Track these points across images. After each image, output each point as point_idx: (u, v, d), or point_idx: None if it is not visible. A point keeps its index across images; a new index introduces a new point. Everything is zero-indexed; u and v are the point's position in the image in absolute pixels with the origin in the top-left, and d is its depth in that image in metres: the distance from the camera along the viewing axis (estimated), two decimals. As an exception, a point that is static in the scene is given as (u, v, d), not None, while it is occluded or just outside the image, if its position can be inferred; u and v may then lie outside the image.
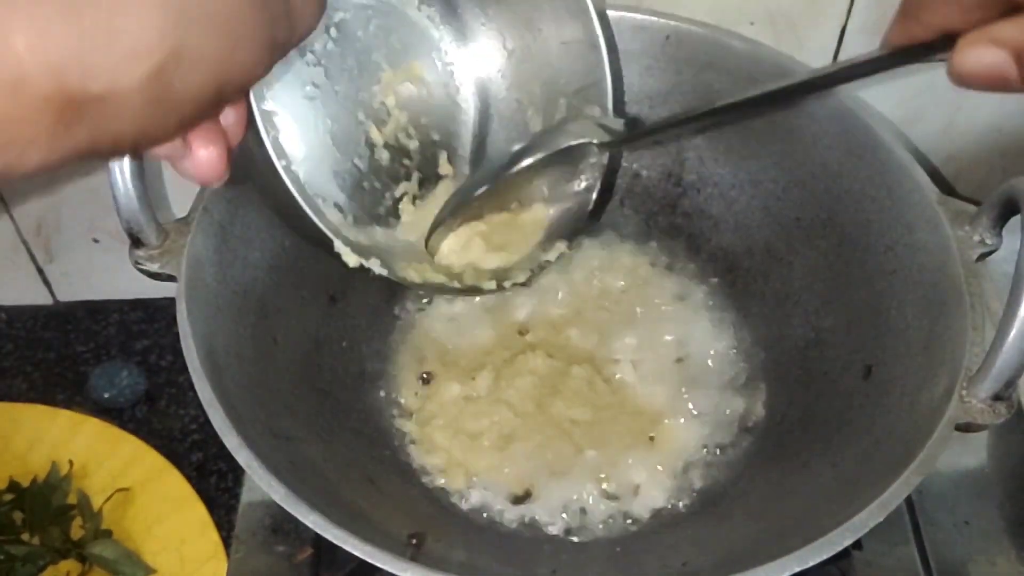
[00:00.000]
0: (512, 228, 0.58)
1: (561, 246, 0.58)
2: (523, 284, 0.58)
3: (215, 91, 0.32)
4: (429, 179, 0.58)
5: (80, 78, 0.28)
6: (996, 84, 0.32)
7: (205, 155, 0.36)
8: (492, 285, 0.56)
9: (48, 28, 0.27)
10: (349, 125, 0.53)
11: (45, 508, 0.61)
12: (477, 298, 0.62)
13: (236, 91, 0.34)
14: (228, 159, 0.37)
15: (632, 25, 0.58)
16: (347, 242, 0.49)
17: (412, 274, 0.53)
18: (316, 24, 0.39)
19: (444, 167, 0.58)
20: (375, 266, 0.50)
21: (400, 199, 0.56)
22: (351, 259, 0.49)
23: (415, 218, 0.56)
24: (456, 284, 0.55)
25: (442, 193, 0.57)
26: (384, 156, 0.55)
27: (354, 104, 0.53)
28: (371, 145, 0.54)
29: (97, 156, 0.31)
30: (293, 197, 0.45)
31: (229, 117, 0.39)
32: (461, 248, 0.56)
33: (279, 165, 0.43)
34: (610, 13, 0.56)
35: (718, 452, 0.56)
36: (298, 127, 0.50)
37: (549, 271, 0.63)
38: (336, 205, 0.52)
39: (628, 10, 0.57)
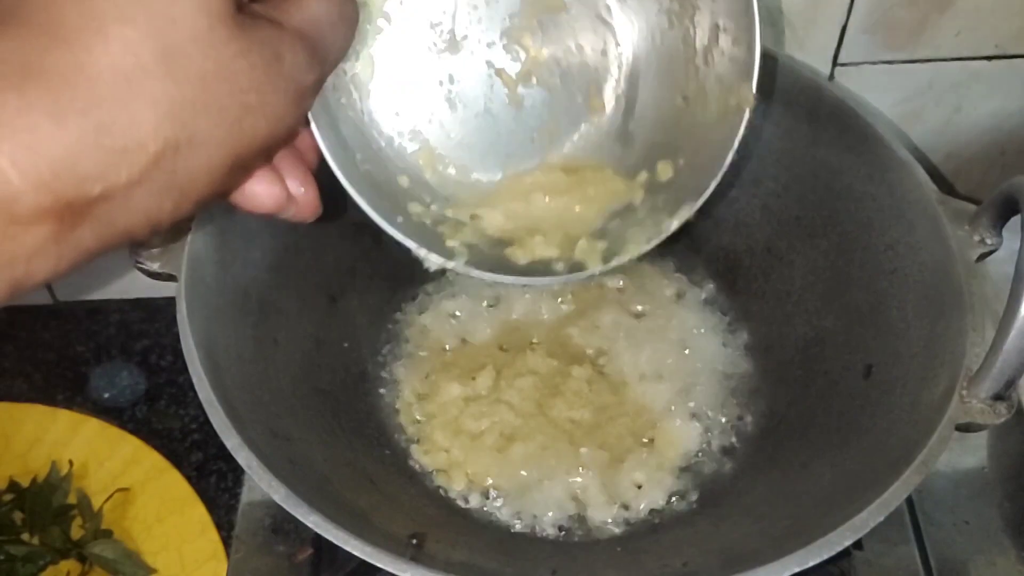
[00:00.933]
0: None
1: (687, 212, 0.48)
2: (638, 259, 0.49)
3: (229, 165, 0.31)
4: (572, 121, 0.51)
5: (76, 184, 0.27)
6: None
7: (302, 196, 0.36)
8: (600, 264, 0.48)
9: (32, 141, 0.26)
10: (477, 74, 0.48)
11: (45, 508, 0.61)
12: (500, 289, 0.60)
13: (263, 151, 0.33)
14: (318, 192, 0.37)
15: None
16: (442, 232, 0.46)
17: (518, 253, 0.48)
18: (349, 44, 0.37)
19: (594, 102, 0.50)
20: (459, 267, 0.46)
21: (537, 141, 0.50)
22: (432, 263, 0.45)
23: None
24: (560, 266, 0.48)
25: (591, 133, 0.51)
26: (519, 100, 0.49)
27: (482, 48, 0.48)
28: (505, 91, 0.49)
29: (111, 249, 0.30)
30: (362, 207, 0.42)
31: (303, 141, 0.38)
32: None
33: (341, 177, 0.41)
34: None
35: (718, 452, 0.56)
36: (414, 89, 0.47)
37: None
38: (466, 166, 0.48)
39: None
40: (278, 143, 0.33)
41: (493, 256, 0.48)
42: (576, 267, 0.49)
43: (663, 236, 0.48)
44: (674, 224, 0.48)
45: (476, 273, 0.47)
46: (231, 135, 0.30)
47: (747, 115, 0.46)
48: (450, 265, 0.46)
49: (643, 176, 0.50)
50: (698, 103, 0.49)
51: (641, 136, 0.51)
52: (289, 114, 0.32)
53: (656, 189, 0.50)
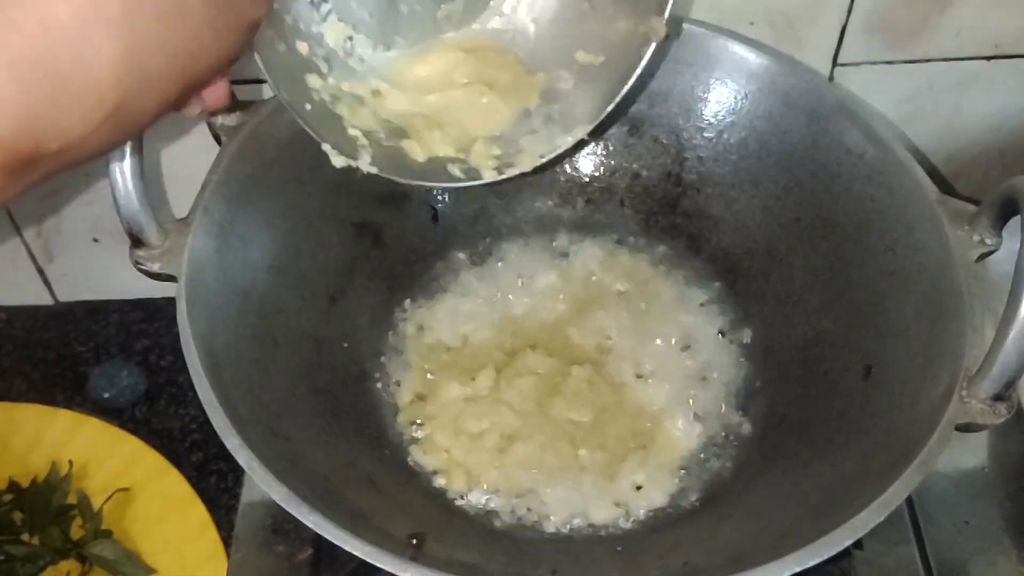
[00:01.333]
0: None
1: (581, 131, 0.49)
2: (529, 174, 0.50)
3: (176, 96, 0.31)
4: (475, 4, 0.51)
5: (34, 142, 0.27)
6: None
7: (211, 89, 0.36)
8: (494, 174, 0.49)
9: None
10: None
11: (45, 508, 0.61)
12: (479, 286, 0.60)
13: (208, 80, 0.34)
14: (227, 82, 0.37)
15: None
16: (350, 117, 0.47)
17: (416, 148, 0.49)
18: None
19: None
20: (364, 165, 0.47)
21: (441, 22, 0.51)
22: (338, 160, 0.47)
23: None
24: (456, 170, 0.49)
25: (495, 21, 0.51)
26: None
27: None
28: None
29: (57, 175, 0.30)
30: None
31: None
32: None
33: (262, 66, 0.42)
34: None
35: (718, 452, 0.56)
36: None
37: (546, 270, 0.63)
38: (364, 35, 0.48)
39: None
40: (222, 72, 0.34)
41: (393, 154, 0.49)
42: (471, 174, 0.49)
43: (556, 152, 0.49)
44: (568, 141, 0.49)
45: (375, 172, 0.48)
46: (184, 71, 0.31)
47: (652, 47, 0.46)
48: (354, 164, 0.47)
49: (542, 76, 0.50)
50: (604, 14, 0.49)
51: (542, 33, 0.51)
52: (237, 47, 0.33)
53: (553, 98, 0.50)
